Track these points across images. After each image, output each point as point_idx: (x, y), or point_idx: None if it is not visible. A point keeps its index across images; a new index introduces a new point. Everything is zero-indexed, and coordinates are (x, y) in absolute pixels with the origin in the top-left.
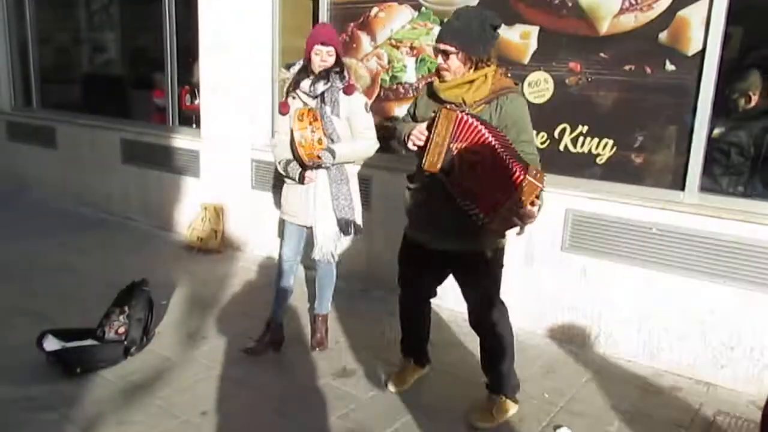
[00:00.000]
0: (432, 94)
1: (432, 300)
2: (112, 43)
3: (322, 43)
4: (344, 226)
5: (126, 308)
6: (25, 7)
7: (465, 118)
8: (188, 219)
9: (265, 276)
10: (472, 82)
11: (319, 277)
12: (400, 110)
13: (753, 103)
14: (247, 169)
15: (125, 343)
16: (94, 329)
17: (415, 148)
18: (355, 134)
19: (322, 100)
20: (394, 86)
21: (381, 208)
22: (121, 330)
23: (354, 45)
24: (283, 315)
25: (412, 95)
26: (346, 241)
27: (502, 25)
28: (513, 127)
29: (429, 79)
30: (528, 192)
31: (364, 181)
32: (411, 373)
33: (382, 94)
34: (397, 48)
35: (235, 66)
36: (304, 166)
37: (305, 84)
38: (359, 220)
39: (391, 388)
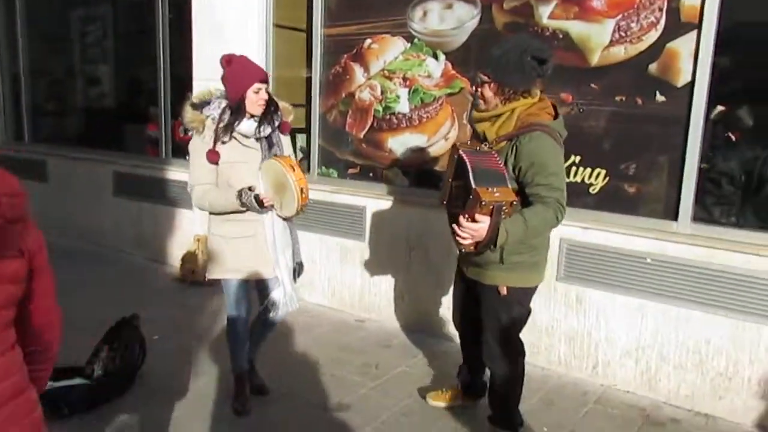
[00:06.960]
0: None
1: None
2: (105, 76)
3: (262, 81)
4: (300, 269)
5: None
6: (17, 40)
7: (459, 155)
8: (181, 251)
9: None
10: (498, 116)
11: (270, 330)
12: (393, 140)
13: (742, 133)
14: None
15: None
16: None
17: None
18: None
19: (269, 143)
20: (387, 116)
21: (375, 237)
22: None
23: (347, 76)
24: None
25: (405, 125)
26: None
27: None
28: (529, 169)
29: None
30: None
31: (360, 211)
32: (455, 398)
33: (375, 124)
34: (390, 79)
35: None
36: (260, 204)
37: (248, 127)
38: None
39: (431, 401)
